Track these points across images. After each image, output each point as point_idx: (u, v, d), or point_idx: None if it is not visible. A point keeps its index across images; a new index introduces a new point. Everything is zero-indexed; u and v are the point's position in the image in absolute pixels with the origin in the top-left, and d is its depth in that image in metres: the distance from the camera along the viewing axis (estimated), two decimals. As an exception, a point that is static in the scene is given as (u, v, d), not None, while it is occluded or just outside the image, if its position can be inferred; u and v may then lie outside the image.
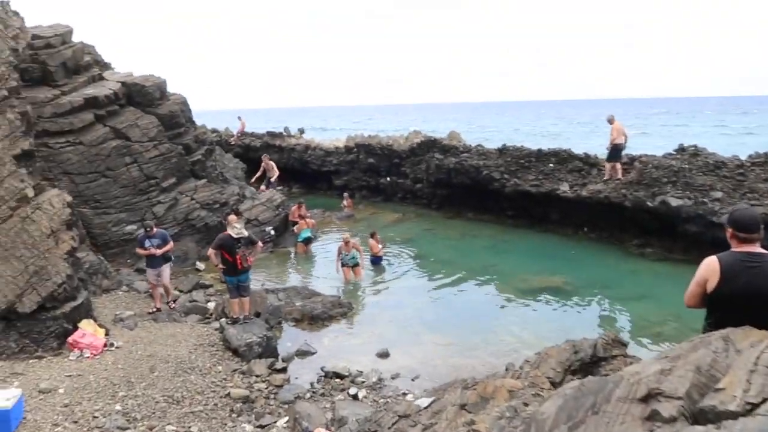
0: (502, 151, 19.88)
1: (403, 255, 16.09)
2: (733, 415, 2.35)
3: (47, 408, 6.92)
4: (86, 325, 9.03)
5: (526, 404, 3.56)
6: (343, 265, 13.54)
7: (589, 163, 18.15)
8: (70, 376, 7.83)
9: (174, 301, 11.50)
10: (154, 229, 11.12)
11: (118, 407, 7.10)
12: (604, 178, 17.10)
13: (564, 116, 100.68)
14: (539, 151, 19.33)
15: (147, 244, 10.92)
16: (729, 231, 3.83)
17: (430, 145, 22.59)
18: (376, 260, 14.83)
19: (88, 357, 8.50)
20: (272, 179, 21.20)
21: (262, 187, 20.39)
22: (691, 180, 14.74)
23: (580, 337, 10.10)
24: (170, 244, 11.26)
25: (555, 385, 4.89)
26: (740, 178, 14.26)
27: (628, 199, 15.67)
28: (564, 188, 17.79)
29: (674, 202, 14.40)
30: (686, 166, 15.10)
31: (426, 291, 13.10)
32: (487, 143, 22.60)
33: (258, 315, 10.41)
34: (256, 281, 12.91)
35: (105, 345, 8.86)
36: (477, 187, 20.12)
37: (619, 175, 16.78)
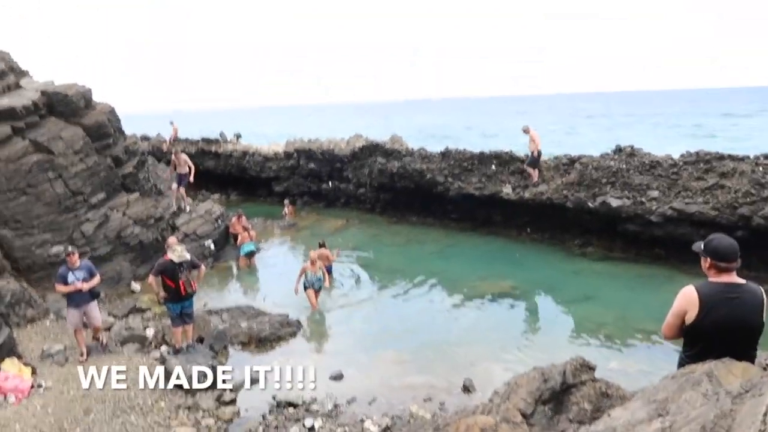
0: (445, 154, 19.88)
1: (349, 264, 15.75)
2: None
3: (-34, 468, 6.20)
4: (9, 366, 8.21)
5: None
6: (306, 288, 12.27)
7: (530, 164, 18.39)
8: (-8, 426, 7.07)
9: (104, 341, 9.74)
10: (76, 259, 9.22)
11: (49, 460, 6.45)
12: (533, 182, 17.47)
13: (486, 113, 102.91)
14: (482, 153, 19.42)
15: (71, 278, 9.04)
16: (707, 261, 3.72)
17: (372, 149, 22.34)
18: (327, 269, 14.39)
19: (13, 402, 7.72)
20: (183, 176, 17.08)
21: (173, 186, 17.11)
22: (629, 180, 15.15)
23: (530, 344, 10.35)
24: (97, 277, 9.47)
25: (527, 417, 4.72)
26: (674, 177, 14.76)
27: (570, 200, 15.95)
28: (507, 190, 17.96)
29: (614, 202, 14.77)
30: (624, 166, 15.51)
31: (375, 303, 12.83)
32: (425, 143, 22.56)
33: (201, 340, 9.85)
34: (198, 302, 12.22)
35: (32, 386, 8.08)
36: (421, 190, 20.05)
37: (535, 179, 17.40)
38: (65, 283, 9.08)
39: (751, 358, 3.72)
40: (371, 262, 16.06)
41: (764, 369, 3.77)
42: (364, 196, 22.99)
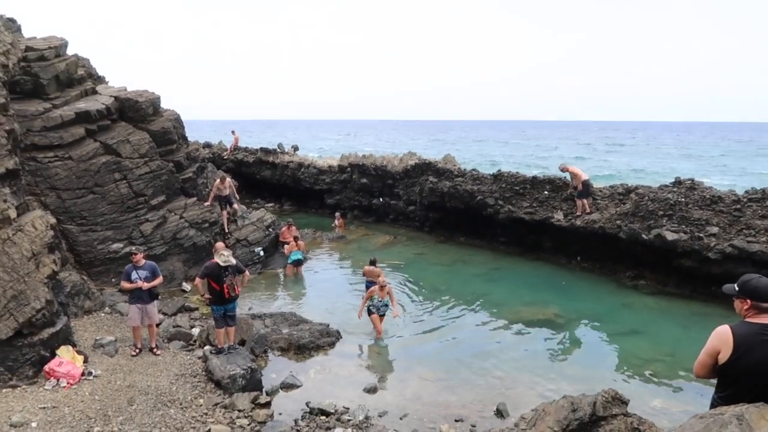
0: (497, 177, 19.75)
1: (394, 281, 15.80)
2: None
3: (17, 445, 6.59)
4: (64, 352, 8.69)
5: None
6: (370, 313, 11.77)
7: (583, 192, 18.02)
8: (44, 408, 7.51)
9: (157, 347, 9.90)
10: (140, 258, 9.83)
11: (92, 445, 6.78)
12: (577, 213, 17.16)
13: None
14: (534, 178, 19.21)
15: (134, 276, 9.64)
16: (747, 302, 3.61)
17: (424, 167, 22.45)
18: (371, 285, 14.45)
19: (64, 386, 8.18)
20: (227, 198, 16.72)
21: (222, 212, 16.61)
22: (687, 214, 14.62)
23: (571, 374, 10.07)
24: (159, 278, 9.99)
25: (552, 445, 4.65)
26: (737, 214, 14.15)
27: (623, 230, 15.52)
28: (558, 217, 17.66)
29: (670, 236, 14.26)
30: (682, 199, 14.98)
31: (416, 321, 12.82)
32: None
33: (243, 343, 10.12)
34: (243, 305, 12.62)
35: (83, 374, 8.53)
36: (470, 212, 19.95)
37: (588, 209, 17.14)
38: (129, 280, 9.68)
39: None
40: (416, 279, 16.06)
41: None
42: (413, 214, 23.09)
